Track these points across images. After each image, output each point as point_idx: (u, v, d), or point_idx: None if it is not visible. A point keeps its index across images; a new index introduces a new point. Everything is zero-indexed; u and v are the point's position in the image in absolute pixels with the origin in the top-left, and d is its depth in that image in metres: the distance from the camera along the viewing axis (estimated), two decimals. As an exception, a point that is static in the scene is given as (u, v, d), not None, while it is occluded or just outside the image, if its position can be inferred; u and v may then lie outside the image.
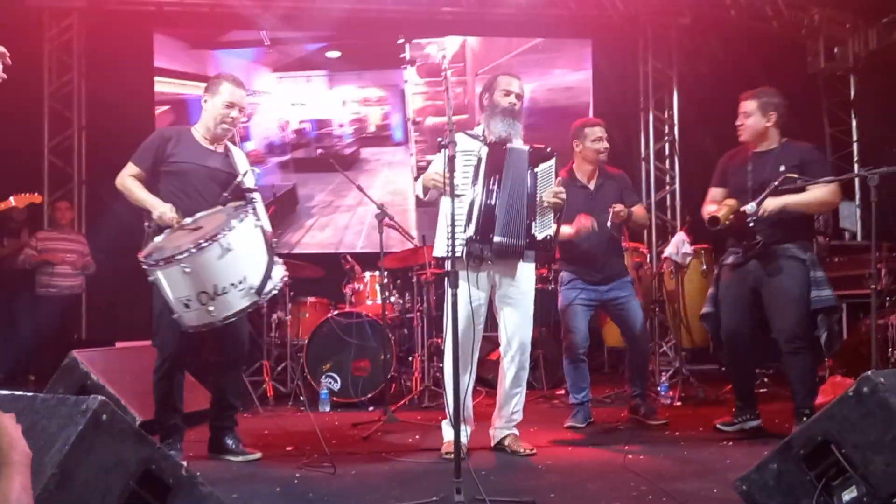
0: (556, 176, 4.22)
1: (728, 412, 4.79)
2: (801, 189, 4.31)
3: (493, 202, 4.03)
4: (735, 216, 4.37)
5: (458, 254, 3.79)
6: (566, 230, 4.71)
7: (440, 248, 4.10)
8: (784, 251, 4.43)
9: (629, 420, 5.15)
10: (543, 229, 4.12)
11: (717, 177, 4.77)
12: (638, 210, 5.07)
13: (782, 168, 4.36)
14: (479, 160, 4.04)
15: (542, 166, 4.14)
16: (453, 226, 3.47)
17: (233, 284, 3.63)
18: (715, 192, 4.72)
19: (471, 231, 3.99)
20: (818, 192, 4.34)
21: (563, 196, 4.14)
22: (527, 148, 4.16)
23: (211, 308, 3.61)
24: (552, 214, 4.15)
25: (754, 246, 4.46)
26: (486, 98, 4.31)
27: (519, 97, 4.26)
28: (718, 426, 4.70)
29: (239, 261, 3.65)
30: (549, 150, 4.22)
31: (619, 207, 4.83)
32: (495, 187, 4.03)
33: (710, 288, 4.79)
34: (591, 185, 5.05)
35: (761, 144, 4.58)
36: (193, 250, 3.54)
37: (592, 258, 4.95)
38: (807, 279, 4.37)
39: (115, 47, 8.08)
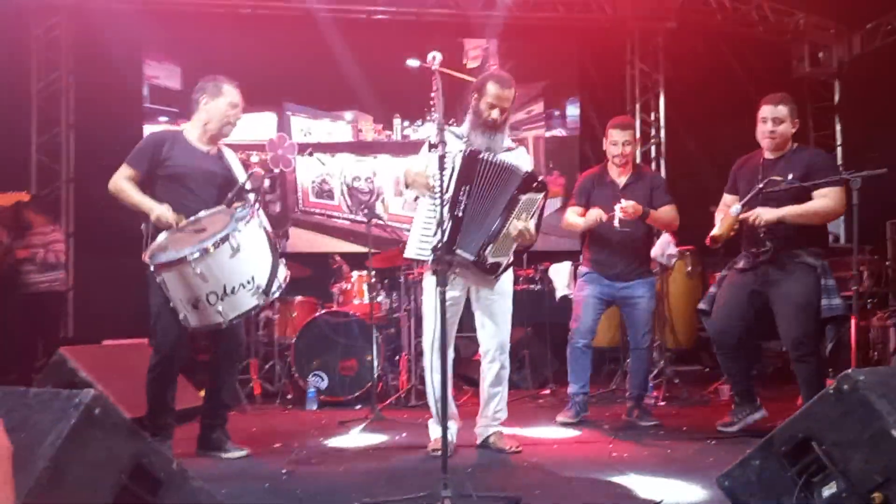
0: (541, 212, 4.09)
1: (713, 412, 4.83)
2: (802, 197, 4.25)
3: (459, 213, 3.95)
4: (738, 227, 4.34)
5: (426, 259, 3.92)
6: (580, 220, 4.93)
7: (411, 250, 4.02)
8: (794, 257, 4.36)
9: (621, 420, 5.14)
10: (497, 255, 4.03)
11: (730, 183, 4.70)
12: (663, 210, 4.96)
13: (790, 176, 4.28)
14: (453, 169, 3.91)
15: (527, 195, 3.98)
16: (442, 227, 3.48)
17: (242, 285, 3.66)
18: (727, 198, 4.67)
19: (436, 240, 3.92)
20: (818, 204, 4.25)
21: (531, 235, 4.02)
22: (523, 172, 4.00)
23: (220, 308, 3.64)
24: (513, 245, 4.06)
25: (764, 252, 4.41)
26: (473, 98, 4.18)
27: (505, 110, 4.13)
28: (719, 428, 4.66)
29: (247, 261, 3.69)
30: (541, 182, 4.07)
31: (625, 204, 4.75)
32: (464, 198, 3.94)
33: (712, 287, 4.78)
34: (621, 182, 5.05)
35: (775, 151, 4.47)
36: (210, 249, 3.55)
37: (609, 254, 4.98)
38: (817, 287, 4.30)
39: (104, 45, 8.02)
